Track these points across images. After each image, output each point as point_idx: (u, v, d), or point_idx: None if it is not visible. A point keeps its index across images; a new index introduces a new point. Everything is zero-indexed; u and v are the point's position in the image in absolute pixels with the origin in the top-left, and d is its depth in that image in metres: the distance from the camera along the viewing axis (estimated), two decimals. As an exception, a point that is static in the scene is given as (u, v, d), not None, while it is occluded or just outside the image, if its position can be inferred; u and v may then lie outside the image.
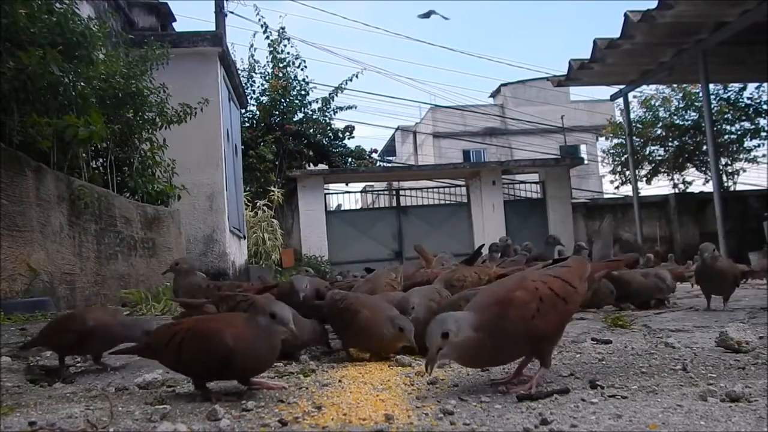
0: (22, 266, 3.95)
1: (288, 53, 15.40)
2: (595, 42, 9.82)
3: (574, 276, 1.65)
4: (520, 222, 15.00)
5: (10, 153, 4.01)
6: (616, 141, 16.27)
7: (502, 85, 28.46)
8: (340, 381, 1.77)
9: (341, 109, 16.00)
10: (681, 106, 15.44)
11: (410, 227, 14.77)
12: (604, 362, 1.95)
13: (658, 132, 15.69)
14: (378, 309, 2.15)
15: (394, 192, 16.68)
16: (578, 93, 26.36)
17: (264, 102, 15.02)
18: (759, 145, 15.46)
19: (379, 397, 1.52)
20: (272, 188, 13.17)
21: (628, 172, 14.98)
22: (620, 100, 12.88)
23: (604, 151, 17.52)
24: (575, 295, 1.62)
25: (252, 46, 16.72)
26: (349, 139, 16.39)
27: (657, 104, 15.70)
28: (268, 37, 15.29)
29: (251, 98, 14.94)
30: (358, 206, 19.92)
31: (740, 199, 14.19)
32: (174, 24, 11.03)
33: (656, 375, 1.73)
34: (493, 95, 29.30)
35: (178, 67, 7.32)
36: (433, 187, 17.01)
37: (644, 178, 15.92)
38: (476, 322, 1.50)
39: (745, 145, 15.47)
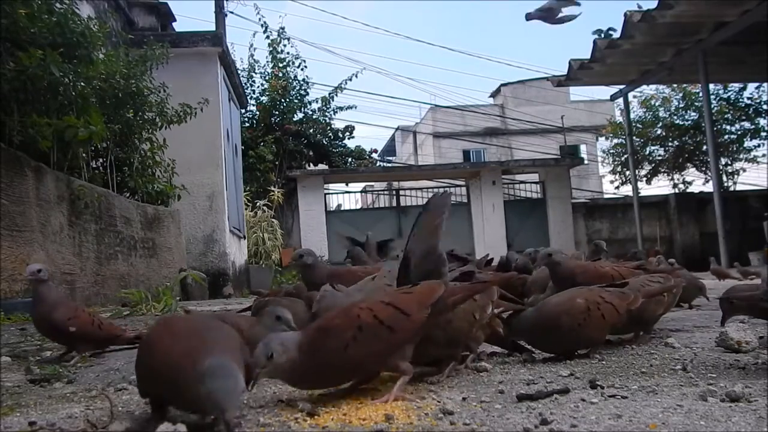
0: (22, 266, 3.95)
1: (288, 53, 15.43)
2: (595, 42, 9.83)
3: (413, 302, 1.59)
4: (520, 222, 15.00)
5: (10, 153, 4.01)
6: (616, 141, 16.26)
7: (502, 85, 28.44)
8: (340, 381, 1.76)
9: (341, 109, 16.01)
10: (681, 106, 15.44)
11: (410, 227, 14.75)
12: (604, 362, 1.95)
13: (658, 132, 15.69)
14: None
15: (394, 192, 16.68)
16: (578, 93, 26.36)
17: (264, 102, 15.02)
18: (759, 145, 15.51)
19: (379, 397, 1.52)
20: (272, 188, 13.17)
21: (628, 172, 14.99)
22: (620, 100, 12.89)
23: (604, 151, 17.54)
24: (407, 323, 1.55)
25: (252, 46, 16.79)
26: (349, 139, 16.42)
27: (657, 104, 15.70)
28: (268, 37, 15.31)
29: (251, 98, 14.94)
30: (358, 206, 19.91)
31: (740, 199, 14.19)
32: (174, 24, 11.05)
33: (656, 375, 1.72)
34: (493, 95, 29.30)
35: (178, 67, 7.33)
36: (433, 187, 17.00)
37: (644, 178, 15.91)
38: (301, 344, 1.47)
39: (745, 145, 15.50)
